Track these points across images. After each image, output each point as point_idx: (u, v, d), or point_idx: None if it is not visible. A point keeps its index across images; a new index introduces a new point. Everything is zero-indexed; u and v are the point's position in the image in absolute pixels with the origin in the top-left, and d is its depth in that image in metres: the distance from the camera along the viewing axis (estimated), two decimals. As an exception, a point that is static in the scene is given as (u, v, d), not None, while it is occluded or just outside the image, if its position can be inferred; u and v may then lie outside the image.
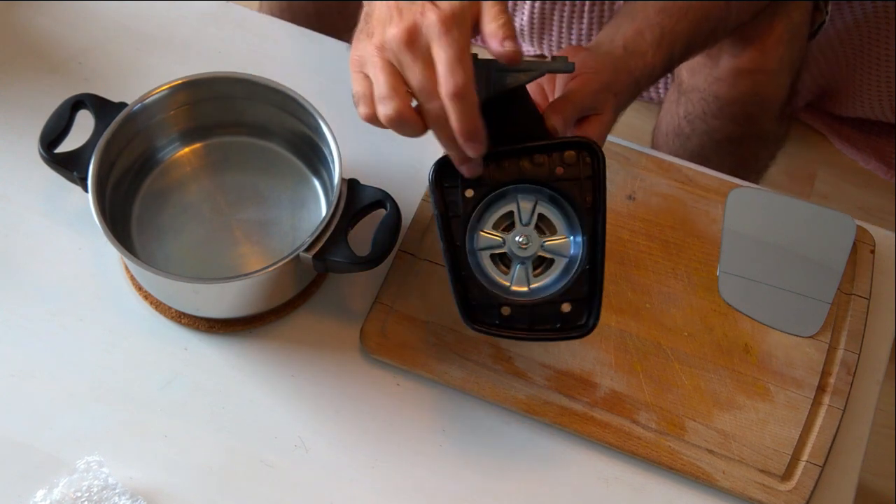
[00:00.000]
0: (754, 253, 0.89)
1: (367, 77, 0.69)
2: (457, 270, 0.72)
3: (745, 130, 1.10)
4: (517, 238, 0.73)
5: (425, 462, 0.80)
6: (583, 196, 0.73)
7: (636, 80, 0.82)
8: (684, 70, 1.09)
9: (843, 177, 1.66)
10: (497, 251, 0.74)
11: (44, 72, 0.95)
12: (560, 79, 0.81)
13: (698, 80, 1.07)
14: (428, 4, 0.66)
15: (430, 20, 0.65)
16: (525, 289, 0.74)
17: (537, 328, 0.72)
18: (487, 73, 0.71)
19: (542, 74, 0.73)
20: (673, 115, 1.15)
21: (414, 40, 0.65)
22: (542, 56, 1.56)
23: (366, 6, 0.72)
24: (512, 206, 0.74)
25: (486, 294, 0.72)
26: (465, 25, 0.66)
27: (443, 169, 0.73)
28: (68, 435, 0.79)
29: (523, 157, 0.73)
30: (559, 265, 0.74)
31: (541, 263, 0.75)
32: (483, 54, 0.70)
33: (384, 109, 0.67)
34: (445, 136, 0.68)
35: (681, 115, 1.13)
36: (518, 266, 0.74)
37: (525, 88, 0.73)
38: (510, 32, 0.66)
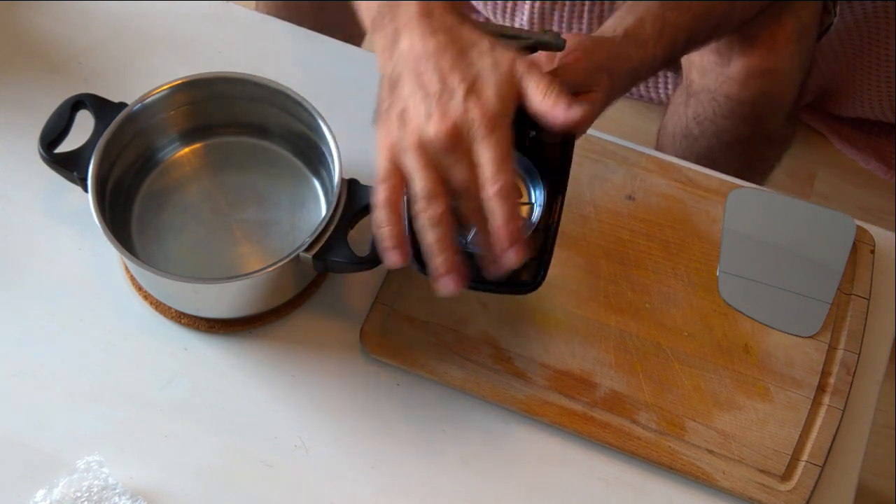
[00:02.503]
0: (754, 253, 0.89)
1: (398, 170, 0.68)
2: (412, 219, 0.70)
3: (754, 131, 1.10)
4: None
5: (425, 462, 0.80)
6: (551, 159, 0.72)
7: (634, 68, 0.82)
8: (694, 71, 1.09)
9: (843, 177, 1.66)
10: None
11: (44, 72, 0.95)
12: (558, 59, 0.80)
13: (709, 80, 1.07)
14: (471, 99, 0.64)
15: (475, 119, 0.63)
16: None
17: (483, 279, 0.71)
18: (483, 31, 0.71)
19: (531, 44, 0.73)
20: (681, 116, 1.15)
21: (458, 142, 0.64)
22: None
23: (386, 75, 0.70)
24: None
25: None
26: (508, 119, 0.65)
27: None
28: (68, 435, 0.79)
29: None
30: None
31: None
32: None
33: (430, 211, 0.66)
34: (483, 233, 0.67)
35: (689, 117, 1.13)
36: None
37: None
38: (567, 99, 0.65)
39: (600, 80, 0.78)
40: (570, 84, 0.75)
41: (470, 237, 0.73)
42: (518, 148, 0.72)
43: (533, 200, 0.74)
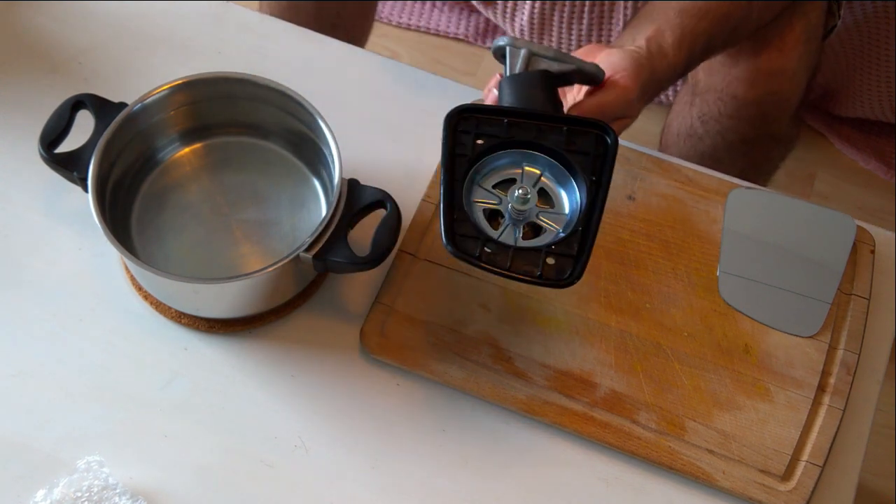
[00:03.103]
0: (754, 253, 0.89)
1: None
2: (450, 199, 0.72)
3: (759, 131, 1.10)
4: (517, 192, 0.73)
5: (425, 462, 0.80)
6: (588, 170, 0.73)
7: (659, 81, 0.82)
8: (700, 71, 1.09)
9: (843, 177, 1.66)
10: (491, 205, 0.74)
11: (44, 72, 0.95)
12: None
13: (716, 80, 1.07)
14: None
15: None
16: (511, 243, 0.73)
17: (517, 270, 0.71)
18: (527, 53, 0.76)
19: (572, 69, 0.76)
20: (686, 116, 1.15)
21: None
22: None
23: None
24: (517, 171, 0.75)
25: (473, 229, 0.72)
26: None
27: (460, 114, 0.74)
28: (68, 435, 0.79)
29: (539, 123, 0.74)
30: (549, 236, 0.74)
31: (531, 231, 0.74)
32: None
33: None
34: None
35: (694, 116, 1.13)
36: (509, 225, 0.74)
37: (552, 75, 0.76)
38: None
39: (636, 106, 0.79)
40: (609, 117, 0.77)
41: (502, 230, 0.73)
42: (555, 149, 0.74)
43: (566, 208, 0.75)
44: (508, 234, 0.73)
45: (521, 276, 0.70)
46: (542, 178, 0.75)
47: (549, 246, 0.71)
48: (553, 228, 0.74)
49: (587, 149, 0.73)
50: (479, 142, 0.74)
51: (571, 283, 0.71)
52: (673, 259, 0.88)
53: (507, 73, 0.77)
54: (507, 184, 0.75)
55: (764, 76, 1.03)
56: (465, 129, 0.74)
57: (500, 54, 0.78)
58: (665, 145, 1.22)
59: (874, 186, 1.65)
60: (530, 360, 0.83)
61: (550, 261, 0.71)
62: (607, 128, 0.74)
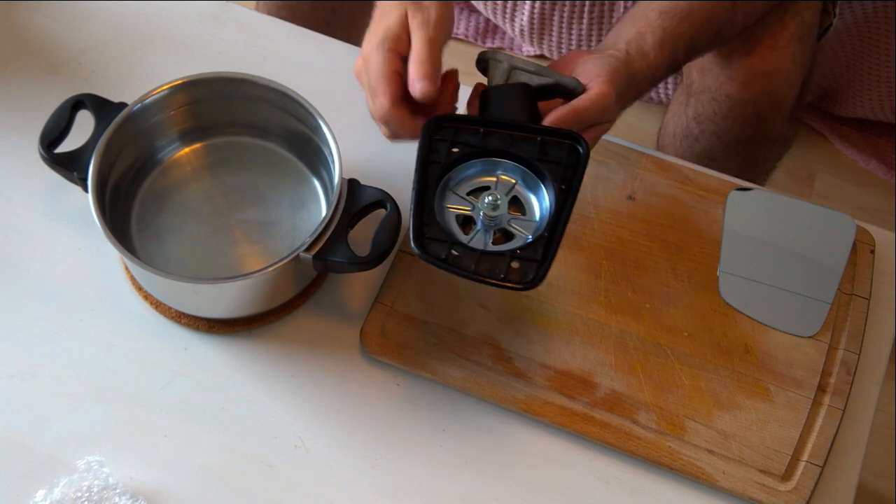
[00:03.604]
0: (754, 253, 0.89)
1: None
2: (420, 204, 0.74)
3: (755, 131, 1.10)
4: (487, 198, 0.75)
5: (425, 462, 0.80)
6: (559, 179, 0.74)
7: (638, 83, 0.82)
8: (695, 71, 1.09)
9: (843, 177, 1.66)
10: (464, 211, 0.76)
11: (44, 72, 0.95)
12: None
13: (709, 80, 1.07)
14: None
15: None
16: (480, 247, 0.74)
17: (481, 273, 0.72)
18: (507, 66, 0.78)
19: (552, 82, 0.78)
20: (681, 116, 1.15)
21: (358, 76, 0.79)
22: (541, 56, 1.56)
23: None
24: (492, 179, 0.76)
25: (442, 233, 0.73)
26: (379, 55, 0.75)
27: (438, 123, 0.76)
28: (68, 435, 0.79)
29: (513, 133, 0.76)
30: (518, 242, 0.75)
31: (503, 237, 0.76)
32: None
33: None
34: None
35: (689, 117, 1.13)
36: (480, 231, 0.75)
37: (531, 88, 0.78)
38: (424, 72, 0.74)
39: (614, 111, 0.80)
40: (585, 122, 0.78)
41: (473, 236, 0.74)
42: (529, 162, 0.75)
43: (536, 216, 0.76)
44: (479, 240, 0.75)
45: (484, 279, 0.72)
46: (516, 186, 0.77)
47: (514, 251, 0.73)
48: (523, 234, 0.75)
49: (559, 159, 0.75)
50: (455, 150, 0.75)
51: (534, 286, 0.72)
52: (673, 259, 0.88)
53: (489, 84, 0.79)
54: (482, 191, 0.76)
55: (757, 76, 1.03)
56: (443, 138, 0.76)
57: (482, 66, 0.80)
58: (662, 146, 1.22)
59: (874, 186, 1.65)
60: (530, 360, 0.83)
61: (515, 265, 0.72)
62: (579, 138, 0.75)
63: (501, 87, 0.78)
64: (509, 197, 0.76)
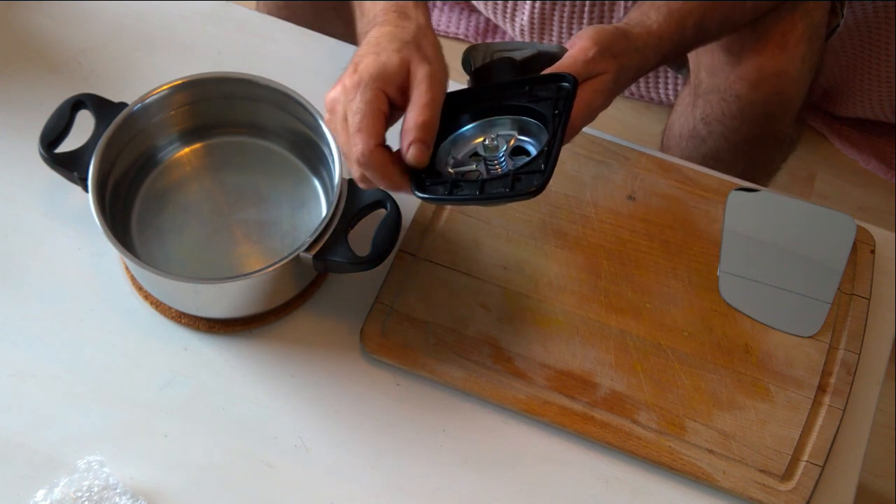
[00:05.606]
0: (754, 253, 0.89)
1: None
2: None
3: (762, 132, 1.10)
4: (486, 142, 0.75)
5: (425, 462, 0.80)
6: (551, 109, 0.74)
7: (638, 48, 0.81)
8: (703, 71, 1.09)
9: (843, 177, 1.66)
10: (468, 171, 0.75)
11: (44, 72, 0.95)
12: None
13: (719, 79, 1.07)
14: (347, 72, 0.73)
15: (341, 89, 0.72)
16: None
17: (487, 195, 0.71)
18: (488, 50, 0.79)
19: (534, 52, 0.78)
20: (688, 117, 1.15)
21: (332, 109, 0.73)
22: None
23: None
24: (491, 137, 0.76)
25: (443, 178, 0.73)
26: (368, 92, 0.71)
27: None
28: (68, 435, 0.79)
29: (503, 93, 0.77)
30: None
31: None
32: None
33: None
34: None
35: (697, 118, 1.13)
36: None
37: (516, 61, 0.79)
38: (424, 137, 0.71)
39: (607, 63, 0.78)
40: (578, 74, 0.76)
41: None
42: (518, 105, 0.75)
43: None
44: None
45: (491, 198, 0.71)
46: (515, 137, 0.76)
47: (516, 170, 0.72)
48: None
49: (549, 96, 0.75)
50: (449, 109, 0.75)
51: (541, 190, 0.70)
52: (673, 259, 0.88)
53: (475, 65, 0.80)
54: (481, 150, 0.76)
55: (767, 76, 1.03)
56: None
57: (466, 65, 0.80)
58: (667, 146, 1.21)
59: (874, 186, 1.65)
60: (530, 360, 0.83)
61: (519, 179, 0.71)
62: (565, 75, 0.75)
63: (486, 64, 0.79)
64: (510, 147, 0.75)
